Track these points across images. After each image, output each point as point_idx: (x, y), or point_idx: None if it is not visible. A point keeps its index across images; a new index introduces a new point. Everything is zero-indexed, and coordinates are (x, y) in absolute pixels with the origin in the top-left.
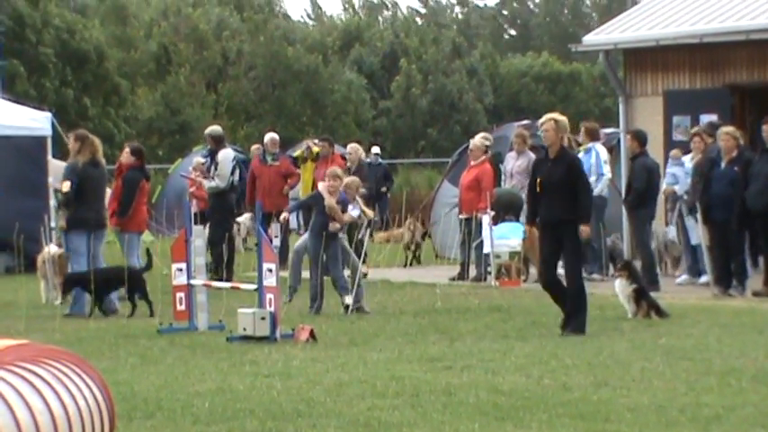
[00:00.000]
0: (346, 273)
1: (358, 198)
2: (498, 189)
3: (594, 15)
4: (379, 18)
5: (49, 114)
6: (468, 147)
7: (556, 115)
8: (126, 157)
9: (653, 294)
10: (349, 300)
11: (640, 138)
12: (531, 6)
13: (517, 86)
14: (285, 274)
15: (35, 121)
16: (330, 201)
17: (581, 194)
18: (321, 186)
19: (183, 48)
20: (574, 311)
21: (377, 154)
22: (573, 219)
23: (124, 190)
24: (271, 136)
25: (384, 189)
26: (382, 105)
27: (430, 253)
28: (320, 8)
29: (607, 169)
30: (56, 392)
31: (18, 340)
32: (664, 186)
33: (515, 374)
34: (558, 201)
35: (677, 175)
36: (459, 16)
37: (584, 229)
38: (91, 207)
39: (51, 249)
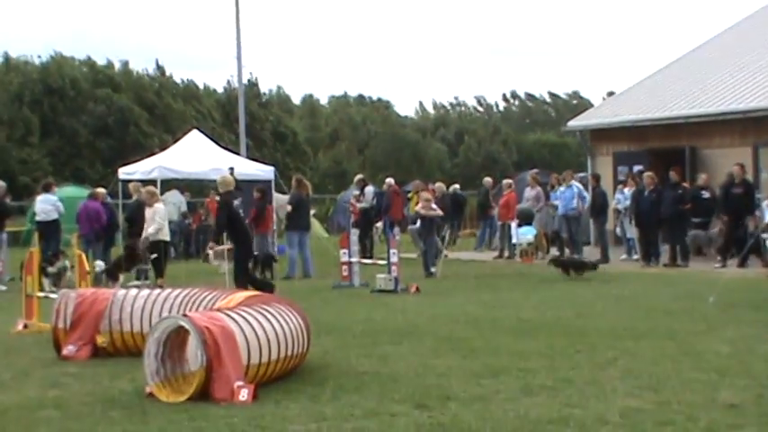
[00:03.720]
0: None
1: (434, 206)
2: (519, 206)
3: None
4: (451, 110)
5: (272, 168)
6: (500, 184)
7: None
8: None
9: None
10: (434, 269)
11: None
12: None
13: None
14: (403, 255)
15: (265, 173)
16: (422, 210)
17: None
18: (418, 207)
19: (347, 132)
20: None
21: (455, 188)
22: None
23: (257, 212)
24: (388, 180)
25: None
26: (454, 161)
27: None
28: (436, 104)
29: None
30: (277, 319)
31: (254, 293)
32: None
33: (532, 311)
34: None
35: None
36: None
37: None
38: (302, 217)
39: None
